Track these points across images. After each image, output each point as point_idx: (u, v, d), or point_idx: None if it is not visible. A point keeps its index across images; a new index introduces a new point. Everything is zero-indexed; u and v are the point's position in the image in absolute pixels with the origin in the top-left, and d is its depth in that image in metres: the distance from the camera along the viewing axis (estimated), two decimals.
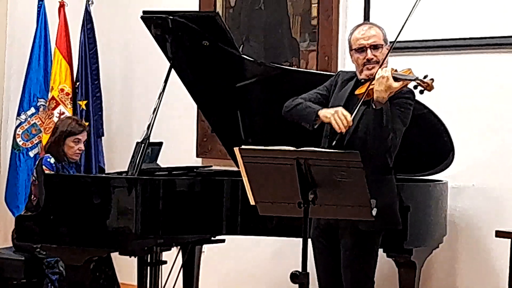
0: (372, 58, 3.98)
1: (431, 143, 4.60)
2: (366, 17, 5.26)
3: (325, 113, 3.87)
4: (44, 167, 5.19)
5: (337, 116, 3.79)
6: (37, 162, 5.48)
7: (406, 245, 4.36)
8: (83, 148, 5.39)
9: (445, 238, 4.77)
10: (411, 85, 3.82)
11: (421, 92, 3.78)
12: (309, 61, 5.55)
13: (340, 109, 3.82)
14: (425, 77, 3.76)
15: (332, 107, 3.97)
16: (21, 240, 4.71)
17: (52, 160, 5.22)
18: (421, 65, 5.04)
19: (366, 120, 3.89)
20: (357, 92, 3.95)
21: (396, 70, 3.84)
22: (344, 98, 4.01)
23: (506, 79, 4.82)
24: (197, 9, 6.02)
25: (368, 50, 3.98)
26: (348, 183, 3.42)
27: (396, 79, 3.78)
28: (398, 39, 4.75)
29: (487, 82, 4.90)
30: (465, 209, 4.96)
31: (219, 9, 5.94)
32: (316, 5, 5.50)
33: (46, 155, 5.31)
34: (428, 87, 3.73)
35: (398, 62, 5.11)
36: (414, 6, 3.94)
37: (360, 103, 3.84)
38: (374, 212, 3.47)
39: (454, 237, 4.95)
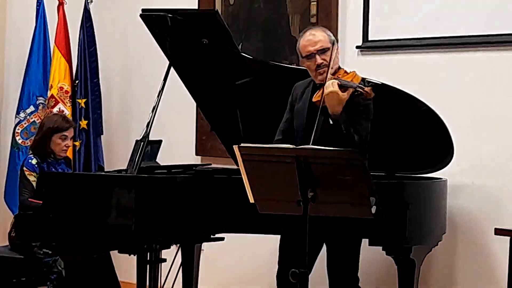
0: (322, 63, 4.06)
1: (430, 141, 4.60)
2: (365, 14, 5.25)
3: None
4: (24, 168, 5.17)
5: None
6: (22, 160, 5.44)
7: (406, 243, 4.36)
8: (70, 144, 5.37)
9: (444, 236, 4.77)
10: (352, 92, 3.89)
11: (363, 99, 3.89)
12: None
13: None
14: (365, 83, 3.87)
15: (297, 121, 4.14)
16: (20, 238, 4.70)
17: (34, 161, 5.18)
18: (420, 63, 5.06)
19: (329, 127, 3.94)
20: (314, 99, 4.01)
21: (338, 79, 3.92)
22: (306, 109, 4.12)
23: (507, 77, 4.82)
24: (196, 7, 6.02)
25: (317, 56, 4.07)
26: (347, 181, 3.42)
27: (341, 88, 3.84)
28: (397, 37, 4.80)
29: (487, 80, 4.89)
30: (464, 207, 4.96)
31: (218, 7, 5.94)
32: (315, 3, 5.50)
33: (29, 155, 5.29)
34: (367, 94, 3.84)
35: (397, 61, 5.14)
36: None
37: (319, 112, 3.89)
38: (373, 210, 3.48)
39: (453, 235, 4.95)
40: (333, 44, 4.08)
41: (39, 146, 5.25)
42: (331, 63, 4.02)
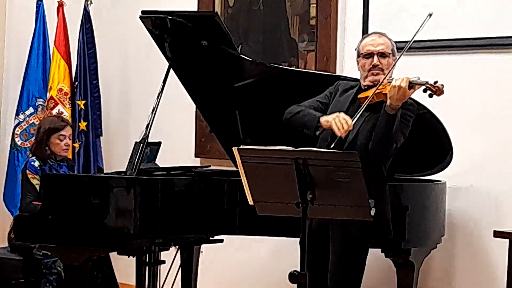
0: (378, 65, 4.06)
1: (429, 143, 4.60)
2: (365, 17, 5.26)
3: (326, 118, 3.93)
4: (27, 171, 5.18)
5: (338, 120, 3.84)
6: (24, 163, 5.45)
7: (404, 245, 4.37)
8: (70, 143, 5.38)
9: (443, 239, 4.77)
10: (420, 90, 3.88)
11: (430, 96, 3.86)
12: (308, 61, 5.55)
13: (341, 114, 3.88)
14: (435, 82, 3.84)
15: (332, 112, 4.02)
16: (19, 239, 4.70)
17: (37, 164, 5.20)
18: (419, 66, 5.06)
19: (370, 126, 3.94)
20: (360, 95, 4.00)
21: (409, 78, 3.89)
22: (347, 104, 4.08)
23: (505, 80, 4.82)
24: (195, 9, 6.03)
25: (375, 57, 4.06)
26: (346, 183, 3.42)
27: (410, 86, 3.83)
28: (396, 40, 4.78)
29: (486, 83, 4.90)
30: (463, 209, 4.96)
31: (217, 9, 5.94)
32: (315, 5, 5.51)
33: (31, 158, 5.29)
34: (438, 91, 3.83)
35: (398, 63, 5.14)
36: (421, 26, 4.03)
37: (365, 107, 3.88)
38: (372, 212, 3.48)
39: (452, 237, 4.95)
40: (393, 54, 4.10)
41: (38, 149, 5.26)
42: (390, 71, 4.02)
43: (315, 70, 5.39)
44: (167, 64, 4.84)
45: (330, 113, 4.02)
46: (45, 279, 5.28)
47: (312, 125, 3.98)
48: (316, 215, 3.57)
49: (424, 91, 3.86)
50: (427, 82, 3.84)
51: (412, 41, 4.00)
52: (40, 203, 4.84)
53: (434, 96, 3.85)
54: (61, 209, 4.46)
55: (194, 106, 5.52)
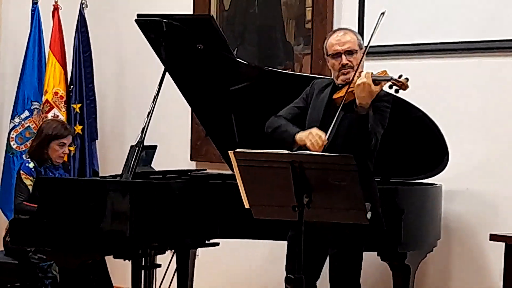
0: (347, 63, 4.04)
1: (425, 147, 4.61)
2: (360, 20, 5.26)
3: (301, 137, 3.94)
4: (21, 172, 5.17)
5: (311, 137, 3.86)
6: (19, 165, 5.44)
7: (400, 249, 4.37)
8: (67, 151, 5.38)
9: (439, 242, 4.78)
10: (386, 86, 3.88)
11: (396, 91, 3.85)
12: (304, 64, 5.56)
13: (314, 130, 3.89)
14: (399, 76, 3.82)
15: (311, 116, 4.07)
16: (15, 243, 4.70)
17: (31, 165, 5.20)
18: (416, 69, 5.06)
19: (347, 125, 3.94)
20: (335, 96, 4.00)
21: (372, 73, 3.88)
22: (323, 105, 4.07)
23: (501, 83, 4.83)
24: (191, 12, 6.03)
25: (343, 56, 4.04)
26: (342, 186, 3.42)
27: (374, 82, 3.83)
28: (391, 43, 4.80)
29: (482, 86, 4.90)
30: (459, 213, 4.96)
31: (213, 12, 5.94)
32: (310, 9, 5.51)
33: (26, 159, 5.29)
34: (403, 86, 3.81)
35: (393, 66, 5.14)
36: (376, 25, 3.99)
37: (340, 107, 3.88)
38: (369, 215, 3.48)
39: (448, 240, 4.95)
40: (360, 48, 4.08)
41: (36, 152, 5.25)
42: (359, 65, 4.00)
43: (311, 73, 5.39)
44: (162, 67, 4.84)
45: (309, 117, 4.07)
46: (40, 283, 5.27)
47: (289, 141, 3.99)
48: (312, 218, 3.57)
49: (390, 87, 3.84)
50: (391, 78, 3.83)
51: (370, 41, 3.95)
52: (31, 204, 4.86)
53: (401, 91, 3.83)
54: (57, 212, 4.45)
55: (189, 109, 5.52)
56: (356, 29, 5.26)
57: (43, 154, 5.24)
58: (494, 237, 4.40)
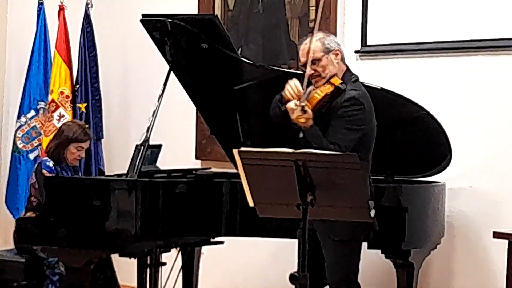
0: (313, 73, 4.06)
1: (428, 145, 4.61)
2: (364, 19, 5.27)
3: (284, 92, 4.04)
4: (44, 171, 5.21)
5: (288, 87, 3.98)
6: (36, 165, 5.48)
7: (404, 246, 4.38)
8: (83, 155, 5.41)
9: (442, 240, 4.79)
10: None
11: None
12: None
13: (291, 81, 4.01)
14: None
15: None
16: (21, 242, 4.72)
17: (51, 164, 5.25)
18: (419, 67, 5.08)
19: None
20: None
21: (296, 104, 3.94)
22: None
23: (504, 81, 4.83)
24: (196, 12, 6.04)
25: (308, 67, 4.05)
26: (346, 185, 3.43)
27: (303, 108, 3.89)
28: (395, 42, 4.81)
29: (484, 84, 4.90)
30: (462, 211, 4.97)
31: (217, 12, 5.95)
32: (314, 8, 5.52)
33: (45, 158, 5.33)
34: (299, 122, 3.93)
35: (396, 65, 5.16)
36: None
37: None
38: (372, 213, 3.49)
39: (451, 238, 4.96)
40: (327, 52, 4.08)
41: (56, 152, 5.28)
42: (325, 73, 4.05)
43: None
44: (167, 67, 4.85)
45: None
46: (48, 280, 5.29)
47: (278, 101, 4.08)
48: (316, 216, 3.59)
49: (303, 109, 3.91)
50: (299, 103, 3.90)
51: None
52: None
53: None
54: (63, 211, 4.47)
55: (194, 108, 5.54)
56: (359, 28, 5.30)
57: (60, 155, 5.28)
58: (497, 235, 4.41)
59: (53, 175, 5.15)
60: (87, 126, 5.57)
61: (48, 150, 5.35)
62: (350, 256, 4.08)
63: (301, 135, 3.93)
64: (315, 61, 4.05)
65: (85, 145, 5.34)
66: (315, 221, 3.77)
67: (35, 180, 5.28)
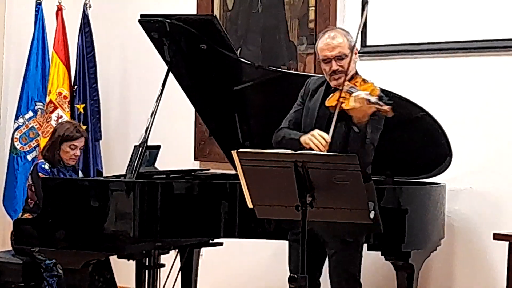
0: (338, 69, 4.00)
1: (429, 146, 4.61)
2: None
3: (305, 140, 3.91)
4: (40, 173, 5.19)
5: (315, 140, 3.84)
6: (32, 167, 5.46)
7: (404, 248, 4.37)
8: (79, 154, 5.38)
9: (443, 241, 4.78)
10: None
11: (383, 116, 3.84)
12: (307, 64, 5.56)
13: (316, 132, 3.88)
14: (380, 98, 3.79)
15: (305, 119, 4.07)
16: (19, 243, 4.71)
17: (47, 166, 5.23)
18: (418, 68, 5.07)
19: (343, 134, 3.92)
20: (328, 104, 3.96)
21: (355, 85, 3.88)
22: (316, 109, 4.06)
23: (504, 82, 4.83)
24: (194, 12, 6.03)
25: (333, 61, 3.99)
26: (345, 186, 3.42)
27: (369, 102, 3.77)
28: (395, 42, 4.80)
29: (484, 85, 4.90)
30: (463, 212, 4.96)
31: (216, 12, 5.94)
32: (314, 8, 5.51)
33: (40, 160, 5.31)
34: (386, 113, 3.75)
35: (395, 66, 5.15)
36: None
37: (335, 119, 3.86)
38: (372, 215, 3.49)
39: (452, 239, 4.95)
40: (352, 49, 4.01)
41: (49, 152, 5.27)
42: (348, 70, 3.97)
43: (314, 73, 5.38)
44: (166, 67, 4.84)
45: (303, 120, 4.08)
46: (45, 282, 5.28)
47: (296, 146, 3.93)
48: (315, 218, 3.57)
49: (374, 113, 3.80)
50: (377, 102, 3.74)
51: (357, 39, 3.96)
52: None
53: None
54: (61, 213, 4.46)
55: (193, 109, 5.52)
56: (358, 29, 5.28)
57: (55, 155, 5.26)
58: (497, 236, 4.41)
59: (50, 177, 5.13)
60: (80, 124, 5.55)
61: (43, 152, 5.34)
62: (356, 255, 4.07)
63: (356, 130, 3.83)
64: (343, 56, 4.00)
65: (78, 143, 5.30)
66: (319, 222, 3.74)
67: (31, 182, 5.27)
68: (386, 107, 3.72)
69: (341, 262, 4.04)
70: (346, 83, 3.93)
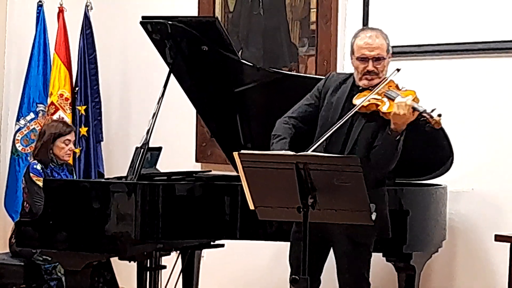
0: (373, 70, 3.96)
1: (430, 147, 4.59)
2: (365, 22, 5.26)
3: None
4: (31, 174, 5.19)
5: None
6: (25, 169, 5.46)
7: (406, 250, 4.37)
8: (73, 148, 5.40)
9: (444, 243, 4.77)
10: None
11: (427, 127, 3.78)
12: (308, 66, 5.56)
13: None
14: (432, 110, 3.75)
15: (325, 113, 4.02)
16: (20, 245, 4.70)
17: (39, 166, 5.22)
18: (420, 69, 5.07)
19: (369, 135, 3.91)
20: (355, 101, 3.93)
21: (414, 99, 3.82)
22: (341, 106, 4.01)
23: (506, 84, 4.83)
24: (196, 14, 6.03)
25: (370, 62, 3.95)
26: (347, 188, 3.42)
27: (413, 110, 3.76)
28: (396, 44, 4.78)
29: (486, 87, 4.90)
30: (464, 214, 4.96)
31: (218, 14, 5.95)
32: (315, 10, 5.51)
33: (32, 162, 5.31)
34: (436, 124, 3.73)
35: (397, 67, 5.14)
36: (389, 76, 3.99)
37: (352, 113, 3.86)
38: (373, 216, 3.48)
39: (453, 241, 4.95)
40: (388, 52, 3.99)
41: (41, 153, 5.27)
42: (382, 73, 3.96)
43: (316, 74, 5.39)
44: (167, 69, 4.84)
45: (322, 114, 4.02)
46: (46, 284, 5.28)
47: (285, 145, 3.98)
48: (317, 219, 3.57)
49: (422, 121, 3.77)
50: (425, 111, 3.75)
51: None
52: None
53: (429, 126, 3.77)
54: (62, 214, 4.46)
55: (194, 111, 5.52)
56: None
57: (47, 155, 5.26)
58: (499, 238, 4.40)
59: (41, 178, 5.12)
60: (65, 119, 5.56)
61: (34, 153, 5.34)
62: (366, 257, 4.06)
63: (390, 135, 3.81)
64: (380, 58, 3.96)
65: (71, 137, 5.33)
66: (330, 224, 3.73)
67: (25, 183, 5.27)
68: (436, 118, 3.70)
69: (353, 263, 4.01)
70: (382, 85, 3.89)
